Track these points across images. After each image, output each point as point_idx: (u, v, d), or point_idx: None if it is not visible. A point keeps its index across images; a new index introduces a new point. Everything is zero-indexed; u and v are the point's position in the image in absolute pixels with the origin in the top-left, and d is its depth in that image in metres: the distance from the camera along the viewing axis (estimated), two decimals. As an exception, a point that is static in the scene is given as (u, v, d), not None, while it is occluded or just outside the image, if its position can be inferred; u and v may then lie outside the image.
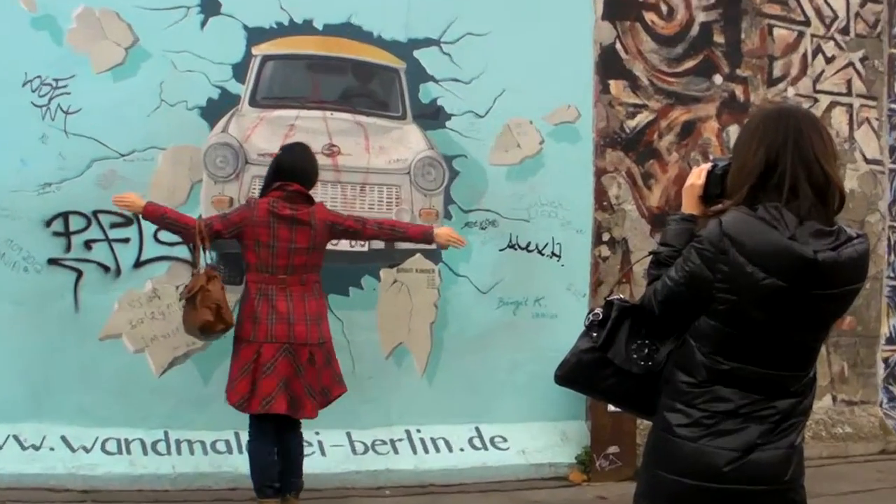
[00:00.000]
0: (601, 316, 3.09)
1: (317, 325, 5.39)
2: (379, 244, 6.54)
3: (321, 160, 5.88)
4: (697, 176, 3.09)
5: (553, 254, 7.21)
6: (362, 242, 6.42)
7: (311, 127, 6.55)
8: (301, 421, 5.42)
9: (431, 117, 6.86)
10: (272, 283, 5.33)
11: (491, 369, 6.98)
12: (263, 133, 6.50)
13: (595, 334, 3.06)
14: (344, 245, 6.31)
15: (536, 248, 7.19)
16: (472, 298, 6.95)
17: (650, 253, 3.12)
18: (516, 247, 7.12)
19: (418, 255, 6.79)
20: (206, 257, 5.34)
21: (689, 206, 3.09)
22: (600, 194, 7.39)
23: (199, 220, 5.39)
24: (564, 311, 7.04)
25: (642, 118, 7.55)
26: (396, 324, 6.78)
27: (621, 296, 3.18)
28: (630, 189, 7.47)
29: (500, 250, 7.08)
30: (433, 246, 6.07)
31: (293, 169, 5.39)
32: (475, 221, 6.99)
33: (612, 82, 7.43)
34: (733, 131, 7.68)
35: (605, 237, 7.42)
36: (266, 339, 5.27)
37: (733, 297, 2.77)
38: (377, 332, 6.73)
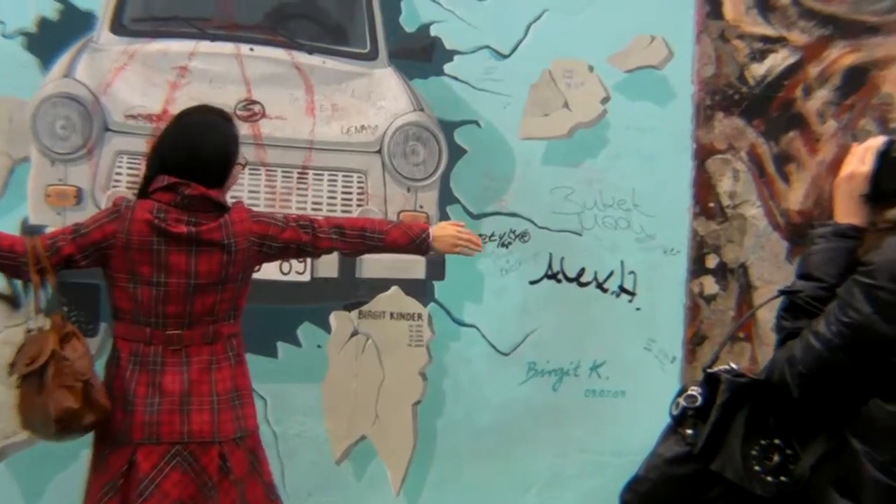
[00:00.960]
0: (700, 400, 3.12)
1: (232, 410, 5.07)
2: (329, 269, 6.42)
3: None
4: (861, 160, 3.03)
5: (623, 289, 7.08)
6: (301, 269, 6.38)
7: (216, 71, 6.35)
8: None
9: (420, 57, 6.72)
10: (156, 342, 4.98)
11: (517, 483, 6.89)
12: (134, 80, 6.28)
13: (691, 432, 3.12)
14: (270, 272, 6.16)
15: (595, 279, 7.05)
16: (485, 364, 6.85)
17: (781, 292, 3.09)
18: (560, 277, 6.99)
19: (395, 288, 6.62)
20: (46, 298, 4.97)
21: (848, 211, 3.05)
22: (704, 190, 7.21)
23: (32, 241, 4.98)
24: (640, 385, 7.02)
25: (777, 61, 7.33)
26: (356, 406, 6.63)
27: (734, 364, 3.19)
28: (754, 182, 7.28)
29: (533, 283, 6.98)
30: (429, 254, 5.75)
31: (193, 157, 5.01)
32: (492, 234, 6.85)
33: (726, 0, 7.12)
34: (933, 85, 7.26)
35: (712, 262, 7.26)
36: (144, 438, 4.90)
37: None
38: (323, 420, 6.59)
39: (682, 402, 3.18)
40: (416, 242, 5.45)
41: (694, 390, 3.19)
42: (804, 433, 3.03)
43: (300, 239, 5.21)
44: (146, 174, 5.13)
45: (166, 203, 4.96)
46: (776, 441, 3.04)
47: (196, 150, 5.04)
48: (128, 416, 4.94)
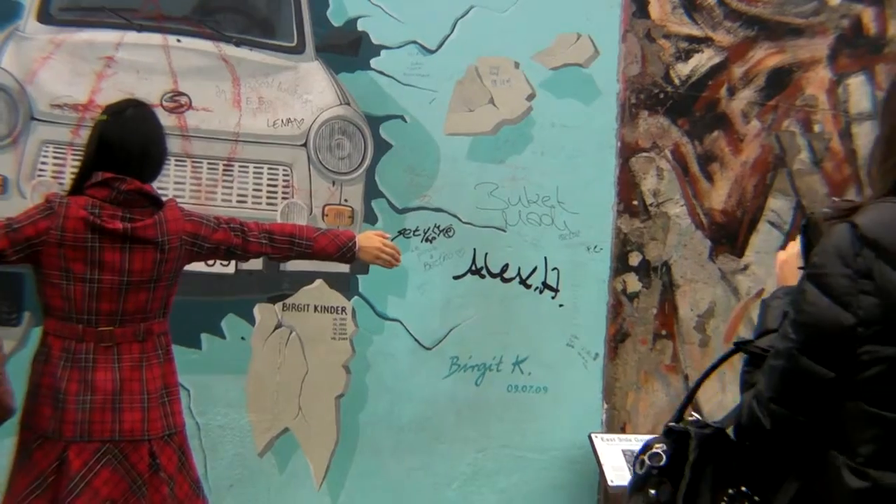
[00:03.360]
0: (665, 459, 3.02)
1: (161, 408, 5.14)
2: (253, 262, 6.34)
3: (160, 117, 5.53)
4: (791, 245, 3.17)
5: (546, 285, 7.21)
6: (225, 261, 6.33)
7: (143, 62, 6.45)
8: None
9: (346, 51, 6.84)
10: (88, 339, 5.03)
11: (438, 478, 7.00)
12: (60, 69, 6.34)
13: (653, 492, 3.00)
14: (195, 263, 5.85)
15: (518, 275, 7.19)
16: (408, 358, 6.96)
17: (737, 346, 3.06)
18: (484, 272, 7.12)
19: (319, 281, 6.73)
20: None
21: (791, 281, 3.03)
22: (627, 188, 7.35)
23: None
24: (563, 382, 7.15)
25: (702, 61, 7.50)
26: (279, 398, 6.71)
27: (696, 415, 3.11)
28: (678, 180, 7.43)
29: (457, 278, 7.10)
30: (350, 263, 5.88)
31: (128, 152, 5.09)
32: (416, 229, 6.98)
33: None
34: (857, 87, 7.66)
35: (635, 260, 7.39)
36: (76, 435, 4.96)
37: (892, 350, 2.64)
38: (246, 412, 6.70)
39: (646, 460, 3.05)
40: (342, 251, 5.58)
41: (658, 447, 3.07)
42: (773, 476, 2.94)
43: (231, 241, 5.30)
44: (80, 170, 5.16)
45: (101, 199, 5.00)
46: (743, 489, 2.97)
47: (133, 145, 5.11)
48: (58, 412, 4.96)
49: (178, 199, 5.71)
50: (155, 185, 5.24)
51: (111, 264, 4.99)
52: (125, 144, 5.06)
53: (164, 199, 5.11)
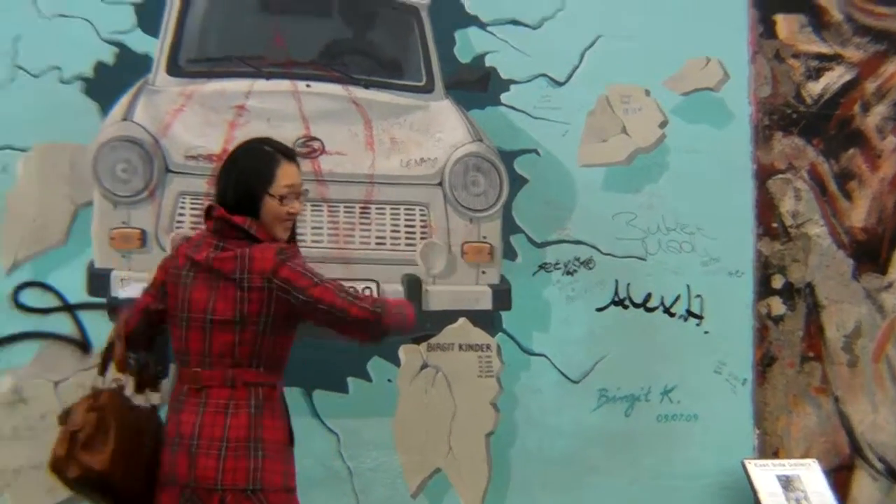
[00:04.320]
0: None
1: (246, 460, 4.55)
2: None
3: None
4: None
5: (690, 313, 6.75)
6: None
7: (274, 108, 6.12)
8: None
9: (476, 87, 6.46)
10: (183, 380, 4.65)
11: None
12: (192, 120, 6.04)
13: None
14: None
15: (661, 303, 6.73)
16: (555, 392, 6.52)
17: None
18: (627, 303, 6.68)
19: (462, 319, 6.32)
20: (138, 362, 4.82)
21: None
22: (766, 210, 6.91)
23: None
24: (712, 408, 6.71)
25: (833, 78, 7.04)
26: (429, 439, 6.29)
27: None
28: (816, 200, 6.98)
29: (600, 309, 6.65)
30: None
31: (222, 181, 4.76)
32: (556, 262, 6.56)
33: (779, 18, 6.97)
34: None
35: (778, 282, 6.93)
36: (166, 479, 4.58)
37: None
38: (396, 454, 6.27)
39: None
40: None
41: None
42: None
43: (333, 302, 4.53)
44: None
45: (208, 230, 4.68)
46: None
47: (225, 172, 4.75)
48: (166, 457, 4.63)
49: (316, 244, 5.74)
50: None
51: (198, 301, 4.57)
52: (221, 173, 4.74)
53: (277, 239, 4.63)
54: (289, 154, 4.66)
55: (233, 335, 4.52)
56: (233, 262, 4.49)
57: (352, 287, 4.71)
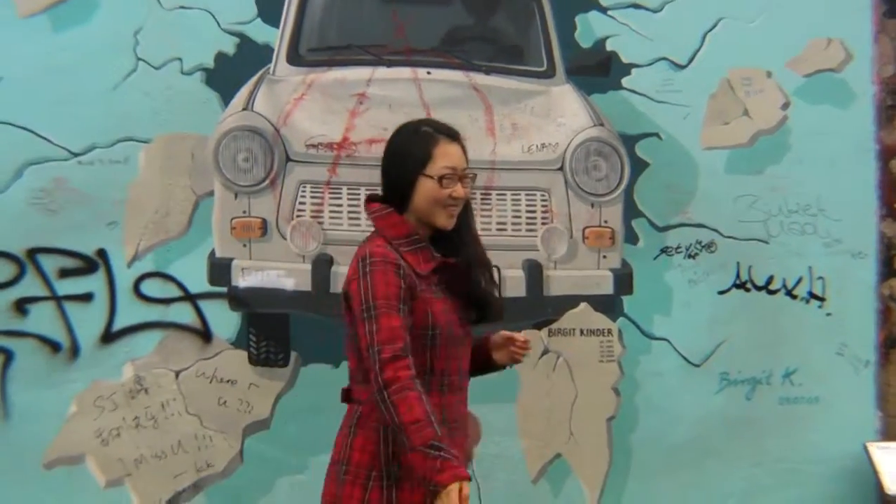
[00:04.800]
0: None
1: (332, 485, 3.60)
2: (517, 289, 5.41)
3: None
4: None
5: (813, 295, 5.87)
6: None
7: (395, 96, 5.45)
8: None
9: (597, 72, 5.72)
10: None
11: (713, 496, 5.84)
12: (313, 109, 5.40)
13: None
14: None
15: (784, 286, 5.90)
16: (677, 376, 5.85)
17: None
18: (749, 286, 5.89)
19: (584, 304, 5.62)
20: None
21: None
22: (889, 191, 6.01)
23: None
24: (834, 391, 5.92)
25: None
26: (550, 424, 5.63)
27: None
28: None
29: (722, 293, 5.88)
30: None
31: (381, 166, 3.84)
32: (678, 246, 5.81)
33: None
34: None
35: None
36: None
37: None
38: (516, 439, 5.59)
39: None
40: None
41: None
42: None
43: (363, 350, 3.46)
44: None
45: None
46: None
47: (382, 160, 3.76)
48: None
49: None
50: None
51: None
52: (382, 160, 3.76)
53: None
54: (451, 134, 3.65)
55: (349, 346, 3.62)
56: (353, 262, 3.60)
57: (390, 344, 3.23)
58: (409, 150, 3.56)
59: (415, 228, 3.41)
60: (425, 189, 3.48)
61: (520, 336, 3.68)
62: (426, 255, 3.39)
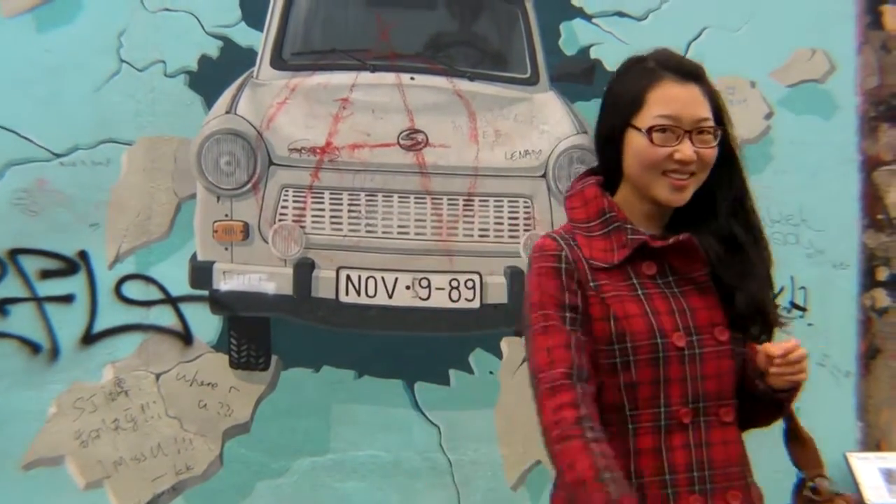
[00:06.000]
0: None
1: None
2: (498, 296, 5.31)
3: (398, 155, 5.19)
4: None
5: (794, 305, 5.74)
6: (470, 296, 5.27)
7: (378, 101, 5.35)
8: None
9: (581, 79, 5.58)
10: None
11: None
12: (296, 113, 5.31)
13: None
14: (440, 300, 5.26)
15: None
16: None
17: None
18: None
19: None
20: None
21: None
22: (872, 202, 5.89)
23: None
24: (814, 400, 5.46)
25: None
26: (530, 431, 5.10)
27: None
28: None
29: None
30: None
31: None
32: None
33: (886, 8, 5.90)
34: None
35: (883, 274, 5.90)
36: None
37: None
38: (497, 446, 5.46)
39: None
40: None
41: None
42: None
43: (532, 369, 2.73)
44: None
45: None
46: None
47: None
48: None
49: (420, 236, 5.23)
50: (396, 222, 4.82)
51: None
52: None
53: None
54: (683, 70, 2.60)
55: None
56: None
57: (548, 370, 2.47)
58: (619, 92, 2.63)
59: (611, 205, 2.50)
60: (634, 147, 2.53)
61: (778, 349, 2.63)
62: (620, 238, 2.46)
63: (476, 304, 5.32)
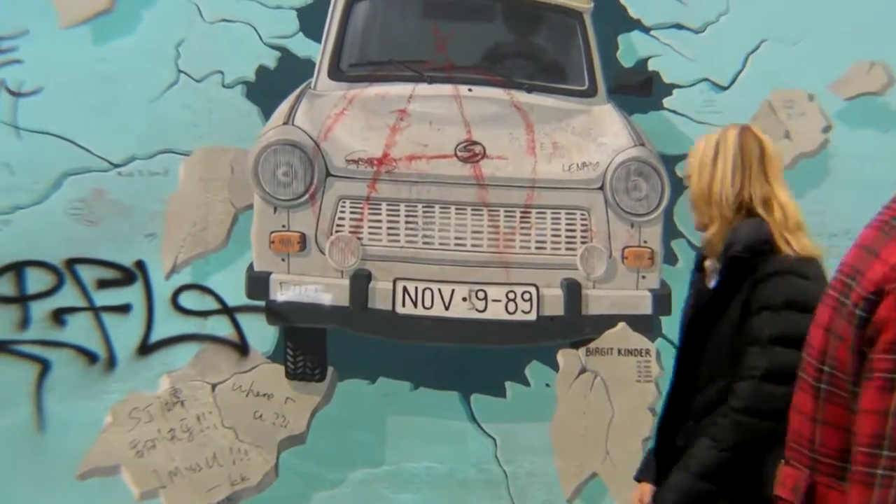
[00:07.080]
0: None
1: None
2: (555, 308, 5.25)
3: (455, 167, 5.12)
4: None
5: None
6: (527, 308, 5.19)
7: (436, 113, 5.29)
8: None
9: (639, 92, 5.53)
10: None
11: None
12: (353, 124, 5.26)
13: None
14: (497, 312, 5.16)
15: None
16: None
17: None
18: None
19: (622, 324, 5.45)
20: None
21: None
22: None
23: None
24: None
25: None
26: (586, 443, 5.46)
27: None
28: None
29: None
30: None
31: None
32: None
33: None
34: None
35: None
36: None
37: None
38: (552, 458, 5.41)
39: None
40: None
41: None
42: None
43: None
44: None
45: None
46: None
47: None
48: None
49: (477, 248, 5.14)
50: (453, 233, 4.83)
51: None
52: None
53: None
54: None
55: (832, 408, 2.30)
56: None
57: None
58: None
59: None
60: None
61: None
62: None
63: (533, 315, 5.24)
